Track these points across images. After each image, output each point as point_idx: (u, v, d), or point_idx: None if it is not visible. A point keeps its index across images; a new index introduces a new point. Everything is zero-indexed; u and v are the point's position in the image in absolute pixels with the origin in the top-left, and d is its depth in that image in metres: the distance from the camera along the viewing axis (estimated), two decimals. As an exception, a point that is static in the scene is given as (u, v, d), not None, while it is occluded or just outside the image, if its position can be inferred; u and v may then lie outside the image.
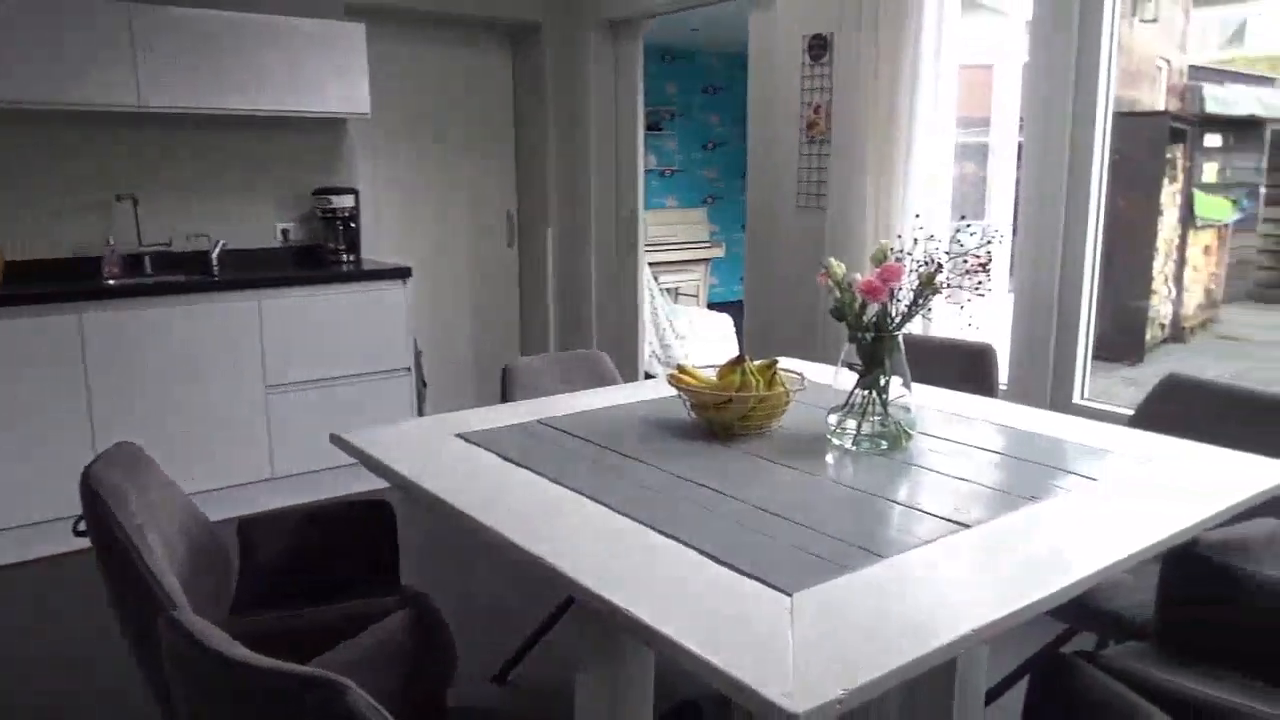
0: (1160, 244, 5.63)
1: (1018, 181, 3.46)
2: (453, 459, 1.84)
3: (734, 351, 3.39)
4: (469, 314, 5.15)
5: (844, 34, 3.40)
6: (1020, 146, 3.57)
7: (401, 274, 4.01)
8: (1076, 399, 3.10)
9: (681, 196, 8.54)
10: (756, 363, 2.03)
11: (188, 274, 3.87)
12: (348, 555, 1.96)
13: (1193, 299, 6.01)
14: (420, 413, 4.25)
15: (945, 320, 3.24)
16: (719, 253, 8.21)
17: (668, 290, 7.41)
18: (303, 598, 1.82)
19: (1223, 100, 6.06)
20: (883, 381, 1.86)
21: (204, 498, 3.46)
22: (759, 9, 3.93)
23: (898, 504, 1.61)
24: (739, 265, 5.15)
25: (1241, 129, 6.15)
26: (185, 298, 3.53)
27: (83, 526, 1.50)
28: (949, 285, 1.84)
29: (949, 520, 1.51)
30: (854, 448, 1.88)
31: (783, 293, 3.94)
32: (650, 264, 6.31)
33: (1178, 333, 5.91)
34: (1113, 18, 2.92)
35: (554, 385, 2.59)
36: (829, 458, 1.87)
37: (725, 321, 6.68)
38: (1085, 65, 2.93)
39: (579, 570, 1.32)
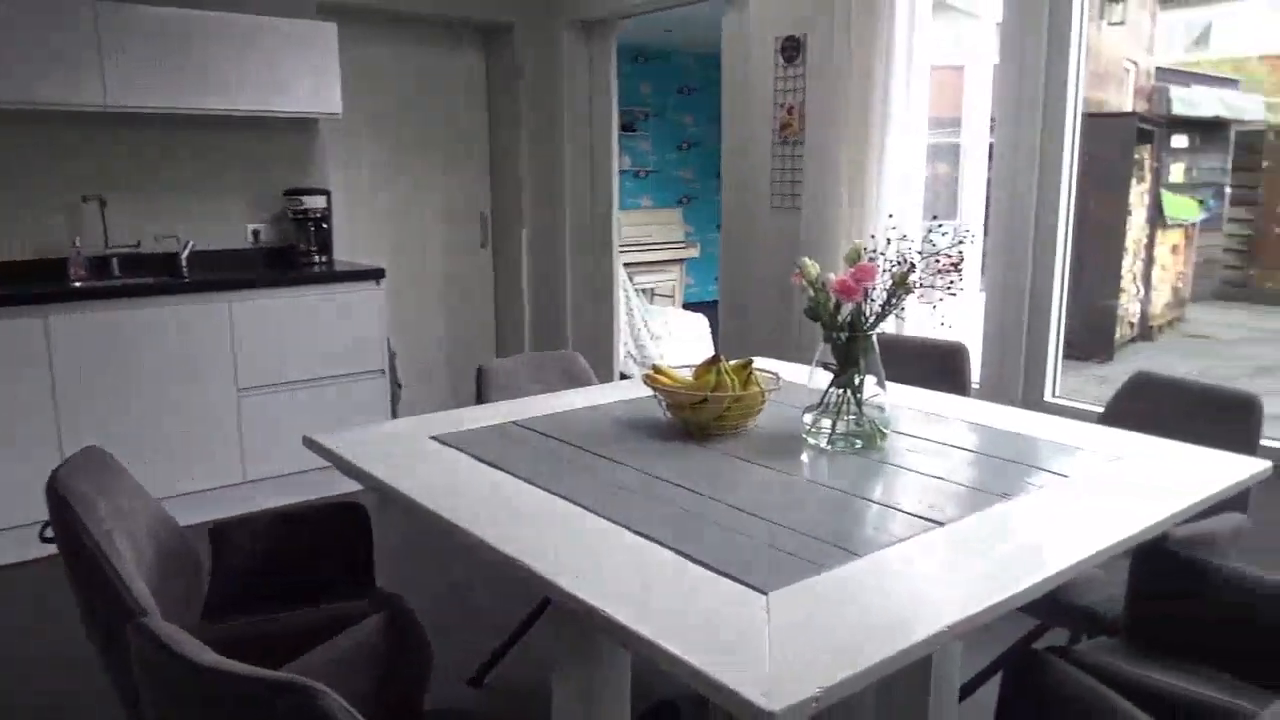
0: (1129, 243, 5.70)
1: (989, 182, 3.50)
2: (428, 461, 1.83)
3: (709, 351, 3.39)
4: (443, 315, 5.13)
5: (817, 35, 3.42)
6: (991, 147, 3.60)
7: (375, 275, 3.98)
8: (1048, 397, 3.13)
9: (656, 197, 8.55)
10: (732, 362, 2.03)
11: (156, 276, 3.81)
12: (322, 559, 1.94)
13: (1161, 298, 6.10)
14: (395, 415, 4.22)
15: (918, 319, 3.27)
16: (694, 253, 8.23)
17: (643, 291, 7.41)
18: (276, 602, 1.80)
19: (1189, 102, 6.15)
20: (857, 381, 1.87)
21: (175, 502, 3.41)
22: (732, 10, 3.94)
23: (872, 502, 1.61)
24: (714, 265, 5.15)
25: (1207, 130, 6.24)
26: (154, 300, 3.48)
27: (49, 533, 1.48)
28: (922, 285, 1.86)
29: (923, 518, 1.52)
30: (829, 447, 1.89)
31: (758, 293, 3.95)
32: (626, 265, 6.31)
33: (1146, 331, 5.99)
34: (1081, 20, 2.95)
35: (529, 386, 2.59)
36: (804, 457, 1.87)
37: (701, 321, 6.69)
38: (1055, 67, 2.97)
39: (555, 571, 1.31)
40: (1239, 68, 6.16)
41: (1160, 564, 1.73)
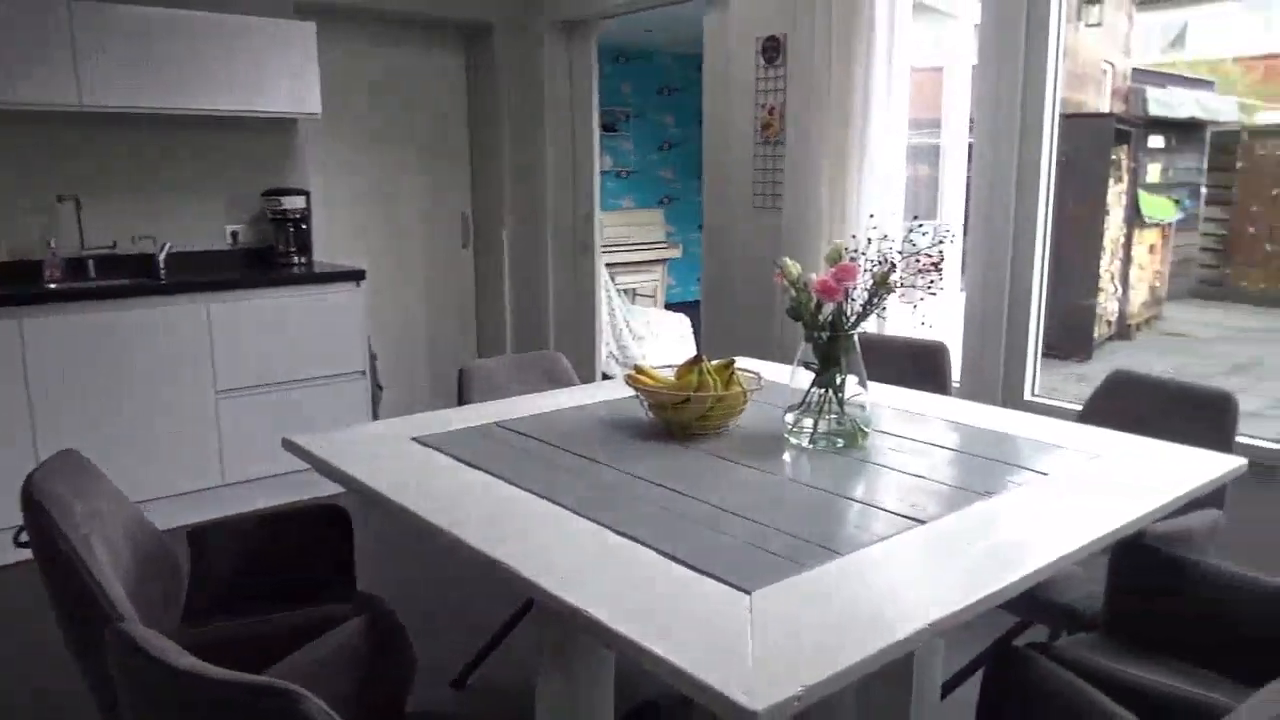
0: (1107, 243, 5.75)
1: (968, 182, 3.52)
2: (409, 463, 1.82)
3: (691, 351, 3.40)
4: (424, 316, 5.11)
5: (797, 36, 3.43)
6: (971, 148, 3.62)
7: (355, 276, 3.96)
8: (1027, 395, 3.16)
9: (638, 197, 8.55)
10: (714, 362, 2.04)
11: (133, 277, 3.77)
12: (302, 561, 1.93)
13: (1138, 297, 6.16)
14: (376, 416, 4.20)
15: (899, 319, 3.28)
16: (676, 253, 8.23)
17: (625, 291, 7.41)
18: (257, 605, 1.79)
19: (1165, 103, 6.22)
20: (839, 380, 1.87)
21: (153, 506, 3.38)
22: (713, 11, 3.94)
23: (854, 501, 1.62)
24: (696, 265, 5.16)
25: (1183, 131, 6.32)
26: (131, 301, 3.45)
27: (24, 537, 1.46)
28: (902, 284, 1.86)
29: (905, 516, 1.53)
30: (811, 446, 1.90)
31: (739, 293, 3.96)
32: (607, 265, 6.30)
33: (1124, 330, 6.05)
34: (1059, 22, 2.98)
35: (511, 387, 2.58)
36: (786, 456, 1.88)
37: (682, 322, 6.69)
38: (1033, 68, 2.99)
39: (538, 572, 1.31)
40: (1214, 69, 6.23)
41: (1138, 560, 1.75)
